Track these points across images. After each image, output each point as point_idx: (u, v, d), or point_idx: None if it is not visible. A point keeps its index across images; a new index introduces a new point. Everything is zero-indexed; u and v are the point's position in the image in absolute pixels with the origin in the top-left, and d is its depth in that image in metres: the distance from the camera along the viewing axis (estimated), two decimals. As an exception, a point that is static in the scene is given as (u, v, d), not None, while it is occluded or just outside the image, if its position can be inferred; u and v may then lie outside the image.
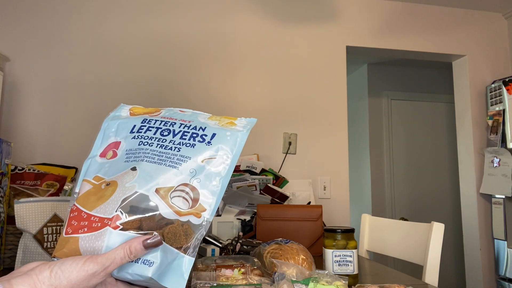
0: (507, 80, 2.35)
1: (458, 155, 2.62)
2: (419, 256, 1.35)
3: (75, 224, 0.48)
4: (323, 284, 0.75)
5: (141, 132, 0.56)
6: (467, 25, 2.58)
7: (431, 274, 1.25)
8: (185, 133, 0.56)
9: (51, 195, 1.28)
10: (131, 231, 0.46)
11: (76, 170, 1.68)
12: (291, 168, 2.18)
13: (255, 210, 1.75)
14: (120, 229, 0.46)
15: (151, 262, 0.46)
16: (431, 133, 3.63)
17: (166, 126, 0.57)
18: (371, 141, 3.49)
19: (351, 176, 3.76)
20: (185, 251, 0.48)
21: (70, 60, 2.01)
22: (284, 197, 1.83)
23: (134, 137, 0.56)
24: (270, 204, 1.65)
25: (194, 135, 0.55)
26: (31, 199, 1.05)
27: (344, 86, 2.31)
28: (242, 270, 0.83)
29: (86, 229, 0.47)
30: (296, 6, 2.32)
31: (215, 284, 0.76)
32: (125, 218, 0.46)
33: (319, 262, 1.34)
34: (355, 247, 0.99)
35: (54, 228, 1.07)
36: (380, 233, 1.60)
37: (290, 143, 2.18)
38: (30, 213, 1.04)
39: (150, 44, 2.10)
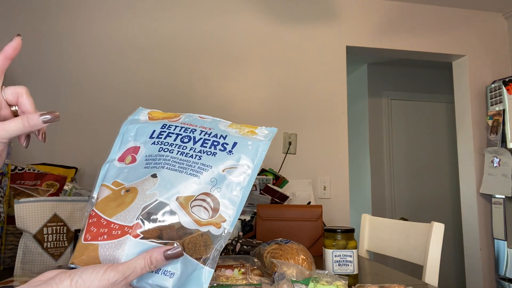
0: (507, 80, 2.35)
1: (458, 155, 2.62)
2: (419, 256, 1.35)
3: (94, 231, 0.47)
4: (323, 284, 0.75)
5: (161, 138, 0.55)
6: (467, 25, 2.58)
7: (431, 274, 1.25)
8: (206, 141, 0.55)
9: (51, 195, 1.28)
10: (152, 240, 0.45)
11: (76, 170, 1.68)
12: (291, 168, 2.18)
13: (255, 210, 1.74)
14: (141, 238, 0.45)
15: (172, 273, 0.45)
16: (431, 133, 3.63)
17: (187, 132, 0.56)
18: (371, 141, 3.49)
19: (351, 176, 3.76)
20: (204, 262, 0.48)
21: (70, 60, 2.01)
22: (284, 197, 1.83)
23: (154, 143, 0.55)
24: (270, 204, 1.65)
25: (215, 143, 0.54)
26: (31, 199, 1.05)
27: (344, 86, 2.31)
28: (242, 270, 0.83)
29: (106, 236, 0.46)
30: (296, 6, 2.32)
31: (215, 284, 0.76)
32: (145, 226, 0.46)
33: (319, 262, 1.34)
34: (355, 247, 0.99)
35: (54, 228, 1.07)
36: (380, 233, 1.60)
37: (290, 143, 2.18)
38: (30, 213, 1.04)
39: (151, 44, 2.10)
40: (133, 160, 0.54)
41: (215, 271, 0.83)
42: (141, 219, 0.46)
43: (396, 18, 2.46)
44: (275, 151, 2.17)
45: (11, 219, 1.19)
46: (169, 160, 0.52)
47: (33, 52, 1.98)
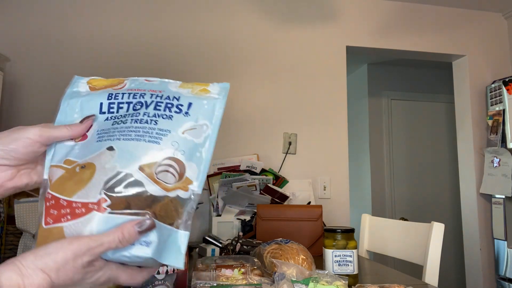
0: (507, 80, 2.35)
1: (458, 155, 2.62)
2: (419, 256, 1.35)
3: (55, 213, 0.45)
4: (323, 284, 0.75)
5: (112, 112, 0.52)
6: (467, 25, 2.58)
7: (431, 274, 1.25)
8: (159, 103, 0.52)
9: (51, 195, 1.28)
10: (122, 212, 0.44)
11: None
12: (291, 168, 2.18)
13: (255, 210, 1.75)
14: (109, 212, 0.44)
15: (149, 242, 0.45)
16: (431, 133, 3.63)
17: (136, 98, 0.52)
18: (371, 141, 3.49)
19: (351, 176, 3.75)
20: (178, 226, 0.48)
21: (70, 60, 2.01)
22: (284, 197, 1.83)
23: (106, 119, 0.51)
24: (270, 204, 1.66)
25: (169, 105, 0.52)
26: (31, 199, 1.05)
27: (344, 86, 2.31)
28: (242, 270, 0.83)
29: (69, 217, 0.44)
30: (296, 6, 2.32)
31: (215, 284, 0.76)
32: (111, 200, 0.44)
33: (319, 262, 1.34)
34: (355, 247, 0.99)
35: (54, 228, 1.07)
36: (380, 233, 1.60)
37: (290, 143, 2.18)
38: (30, 213, 1.04)
39: (150, 44, 2.10)
40: (84, 137, 0.51)
41: (215, 271, 0.83)
42: (105, 193, 0.44)
43: (396, 18, 2.47)
44: (275, 151, 2.17)
45: (11, 219, 1.19)
46: (123, 130, 0.49)
47: (33, 52, 1.98)
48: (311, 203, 2.07)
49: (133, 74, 2.06)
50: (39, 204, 0.49)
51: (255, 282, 0.78)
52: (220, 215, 1.81)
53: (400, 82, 3.65)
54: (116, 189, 0.45)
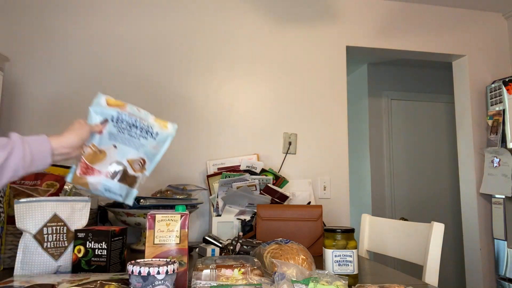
0: (507, 80, 2.35)
1: (458, 155, 2.62)
2: (419, 256, 1.35)
3: (84, 170, 0.97)
4: (323, 284, 0.75)
5: (118, 123, 1.00)
6: (467, 25, 2.58)
7: (431, 274, 1.25)
8: (142, 129, 1.02)
9: (51, 195, 1.28)
10: (114, 179, 1.02)
11: (76, 170, 1.68)
12: (291, 168, 2.18)
13: (255, 210, 1.74)
14: (108, 178, 1.01)
15: (122, 195, 1.04)
16: (431, 133, 3.63)
17: (132, 121, 1.00)
18: (371, 141, 3.49)
19: (351, 176, 3.76)
20: (134, 188, 1.07)
21: (70, 60, 2.01)
22: (284, 197, 1.83)
23: (114, 125, 1.00)
24: (270, 204, 1.65)
25: (147, 131, 1.03)
26: (31, 199, 1.05)
27: (344, 86, 2.31)
28: (242, 270, 0.83)
29: (90, 174, 0.98)
30: (296, 6, 2.32)
31: (215, 284, 0.76)
32: (111, 172, 1.02)
33: (319, 262, 1.34)
34: (355, 247, 0.99)
35: (54, 228, 1.07)
36: (380, 233, 1.60)
37: (290, 143, 2.18)
38: (30, 213, 1.04)
39: (150, 43, 2.10)
40: (101, 132, 0.99)
41: (215, 271, 0.84)
42: (109, 168, 1.01)
43: (396, 18, 2.47)
44: (275, 151, 2.17)
45: (11, 219, 1.19)
46: (122, 138, 1.02)
47: (33, 52, 1.98)
48: (311, 203, 2.07)
49: (132, 73, 2.06)
50: (74, 162, 0.99)
51: (255, 282, 0.78)
52: (220, 215, 1.81)
53: (400, 82, 3.65)
54: (114, 168, 1.02)
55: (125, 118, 0.98)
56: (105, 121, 0.97)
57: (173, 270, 0.73)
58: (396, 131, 3.55)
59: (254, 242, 1.39)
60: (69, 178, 0.96)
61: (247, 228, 1.69)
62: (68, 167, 1.71)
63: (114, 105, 0.97)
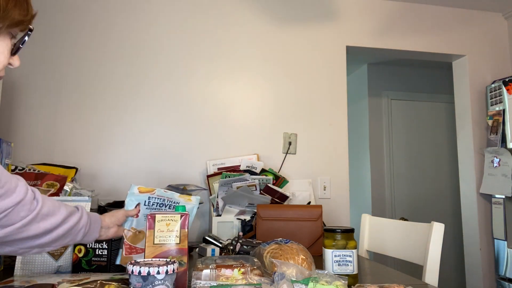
0: (507, 80, 2.35)
1: (458, 155, 2.62)
2: (419, 256, 1.35)
3: (129, 250, 1.05)
4: (323, 284, 0.75)
5: (149, 206, 1.12)
6: (467, 25, 2.58)
7: (431, 274, 1.26)
8: (169, 206, 1.14)
9: (52, 195, 1.28)
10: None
11: (77, 170, 1.68)
12: (291, 168, 2.18)
13: (255, 210, 1.75)
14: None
15: None
16: (431, 133, 3.63)
17: (160, 201, 1.13)
18: (371, 141, 3.49)
19: (351, 176, 3.76)
20: None
21: (70, 60, 2.01)
22: (284, 197, 1.83)
23: (146, 208, 1.12)
24: (270, 204, 1.65)
25: (174, 206, 1.14)
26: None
27: (344, 86, 2.31)
28: (242, 270, 0.83)
29: (135, 252, 1.06)
30: (296, 6, 2.32)
31: (215, 284, 0.76)
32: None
33: (319, 262, 1.34)
34: (355, 247, 1.00)
35: (54, 228, 1.07)
36: (380, 233, 1.60)
37: (290, 143, 2.19)
38: (30, 213, 1.04)
39: (150, 44, 2.10)
40: (137, 216, 1.10)
41: (215, 271, 0.84)
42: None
43: (396, 18, 2.47)
44: (275, 151, 2.18)
45: (11, 219, 1.18)
46: None
47: (33, 52, 1.98)
48: (311, 203, 2.07)
49: (132, 74, 2.06)
50: (121, 244, 1.08)
51: (255, 282, 0.78)
52: (220, 215, 1.81)
53: (400, 82, 3.65)
54: None
55: (155, 200, 1.12)
56: (138, 205, 1.10)
57: (173, 270, 0.73)
58: (396, 131, 3.55)
59: (254, 242, 1.39)
60: (117, 261, 1.07)
61: (247, 228, 1.69)
62: (69, 167, 1.72)
63: (145, 192, 1.12)
